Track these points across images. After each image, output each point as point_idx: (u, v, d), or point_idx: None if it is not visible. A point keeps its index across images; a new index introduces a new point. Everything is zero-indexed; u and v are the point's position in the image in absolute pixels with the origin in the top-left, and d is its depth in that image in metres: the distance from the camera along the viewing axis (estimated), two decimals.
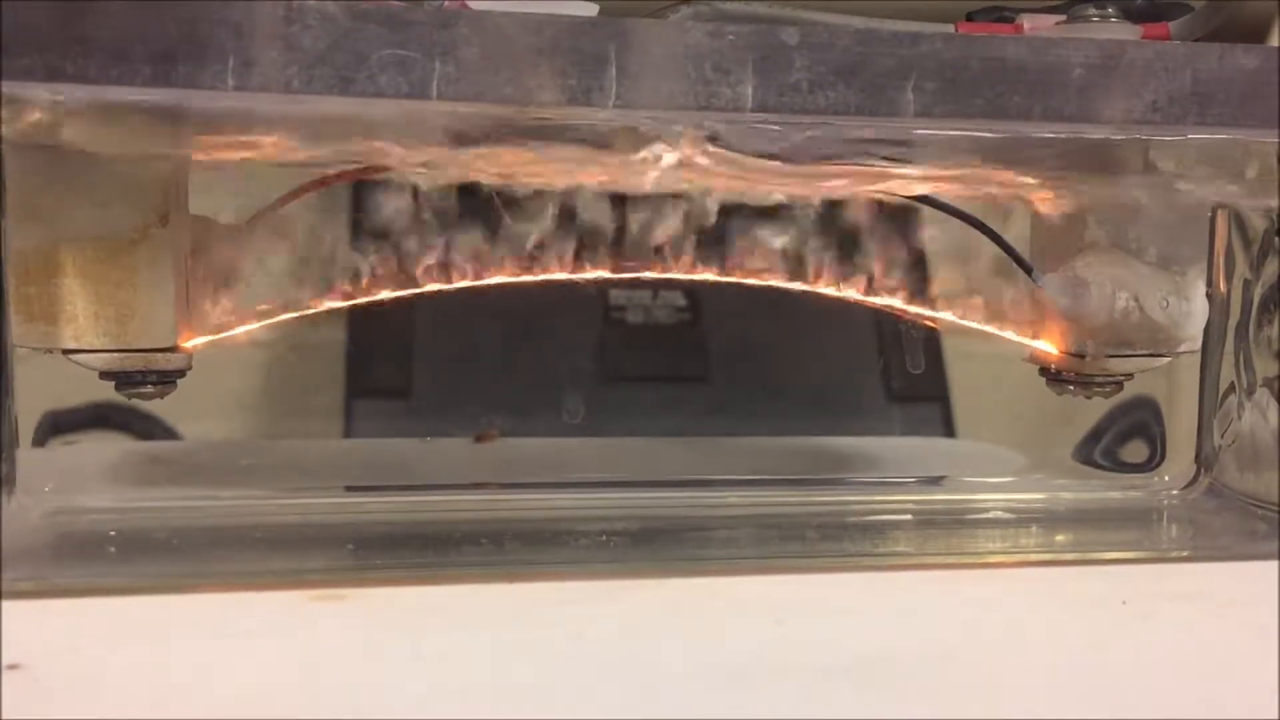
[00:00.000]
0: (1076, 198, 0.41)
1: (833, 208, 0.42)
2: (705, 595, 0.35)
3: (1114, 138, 0.34)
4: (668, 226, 0.40)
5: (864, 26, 0.34)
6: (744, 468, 0.50)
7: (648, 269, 0.41)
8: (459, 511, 0.43)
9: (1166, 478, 0.49)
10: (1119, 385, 0.43)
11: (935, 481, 0.50)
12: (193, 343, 0.38)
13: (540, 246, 0.40)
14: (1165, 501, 0.48)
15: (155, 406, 0.42)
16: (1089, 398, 0.43)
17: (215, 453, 0.48)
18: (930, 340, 0.50)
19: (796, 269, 0.42)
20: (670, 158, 0.35)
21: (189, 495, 0.43)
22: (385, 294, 0.40)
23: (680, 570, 0.38)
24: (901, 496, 0.48)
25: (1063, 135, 0.33)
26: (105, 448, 0.46)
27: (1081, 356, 0.41)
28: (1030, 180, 0.40)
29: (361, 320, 0.45)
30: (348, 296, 0.40)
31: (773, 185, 0.39)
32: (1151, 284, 0.41)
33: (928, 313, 0.43)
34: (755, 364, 0.54)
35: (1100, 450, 0.50)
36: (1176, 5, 0.37)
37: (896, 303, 0.42)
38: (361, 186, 0.40)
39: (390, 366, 0.51)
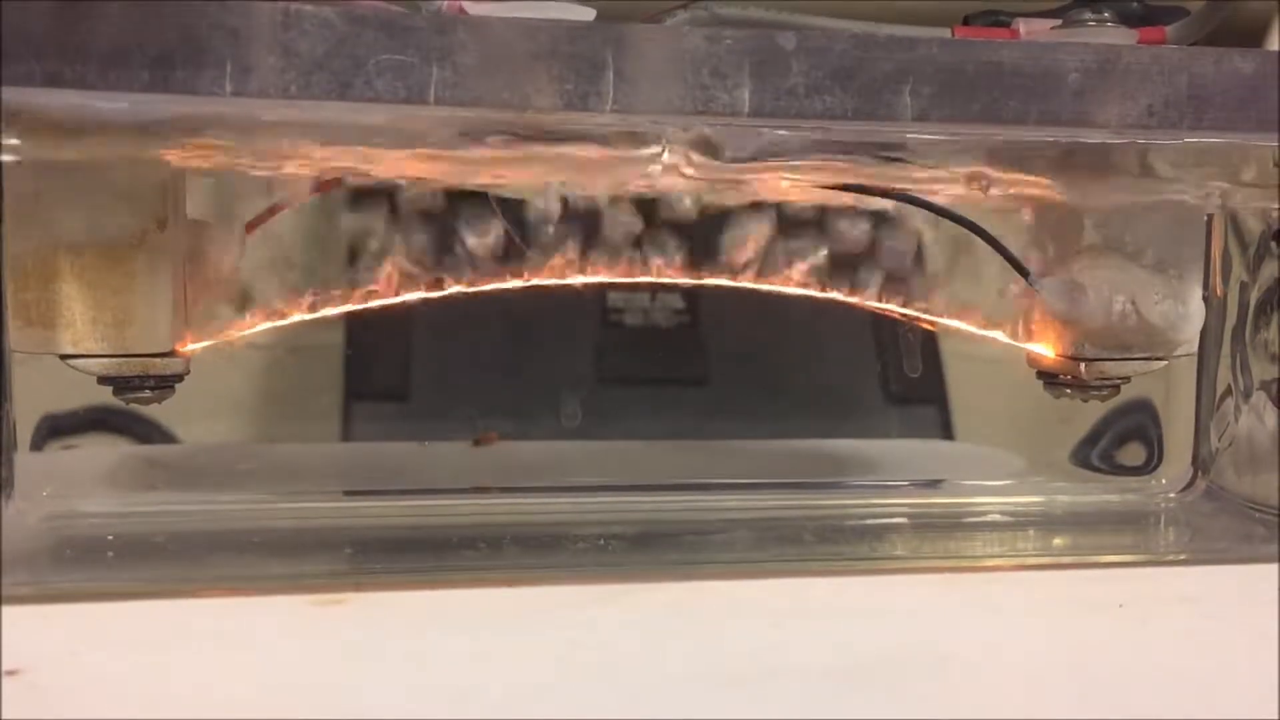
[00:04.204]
0: (1073, 201, 0.41)
1: (831, 210, 0.42)
2: (703, 598, 0.35)
3: (1110, 142, 0.34)
4: (664, 229, 0.41)
5: (860, 31, 0.34)
6: (742, 471, 0.50)
7: (645, 273, 0.41)
8: (457, 515, 0.43)
9: (1164, 481, 0.49)
10: (1116, 388, 0.43)
11: (933, 484, 0.50)
12: (190, 347, 0.38)
13: (541, 250, 0.40)
14: (1162, 504, 0.48)
15: (153, 409, 0.42)
16: (1086, 400, 0.43)
17: (213, 456, 0.48)
18: (928, 342, 0.50)
19: (794, 271, 0.42)
20: (665, 161, 0.35)
21: (187, 499, 0.43)
22: (383, 299, 0.40)
23: (678, 574, 0.38)
24: (899, 500, 0.48)
25: (1059, 139, 0.34)
26: (103, 451, 0.46)
27: (1079, 360, 0.41)
28: (1027, 183, 0.40)
29: (360, 323, 0.45)
30: (346, 301, 0.40)
31: (768, 188, 0.39)
32: (1148, 287, 0.41)
33: (925, 316, 0.43)
34: (753, 367, 0.54)
35: (1098, 453, 0.50)
36: (1172, 9, 0.37)
37: (894, 306, 0.42)
38: (358, 191, 0.40)
39: (388, 369, 0.51)
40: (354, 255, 0.44)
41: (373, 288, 0.40)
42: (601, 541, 0.40)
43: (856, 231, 0.42)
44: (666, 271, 0.41)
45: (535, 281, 0.40)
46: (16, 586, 0.33)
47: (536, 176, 0.38)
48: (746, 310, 0.46)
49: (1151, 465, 0.49)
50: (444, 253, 0.40)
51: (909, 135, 0.33)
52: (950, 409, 0.54)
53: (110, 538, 0.39)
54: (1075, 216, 0.41)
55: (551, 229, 0.40)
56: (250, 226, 0.40)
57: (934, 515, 0.46)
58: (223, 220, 0.39)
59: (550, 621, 0.33)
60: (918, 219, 0.44)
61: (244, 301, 0.39)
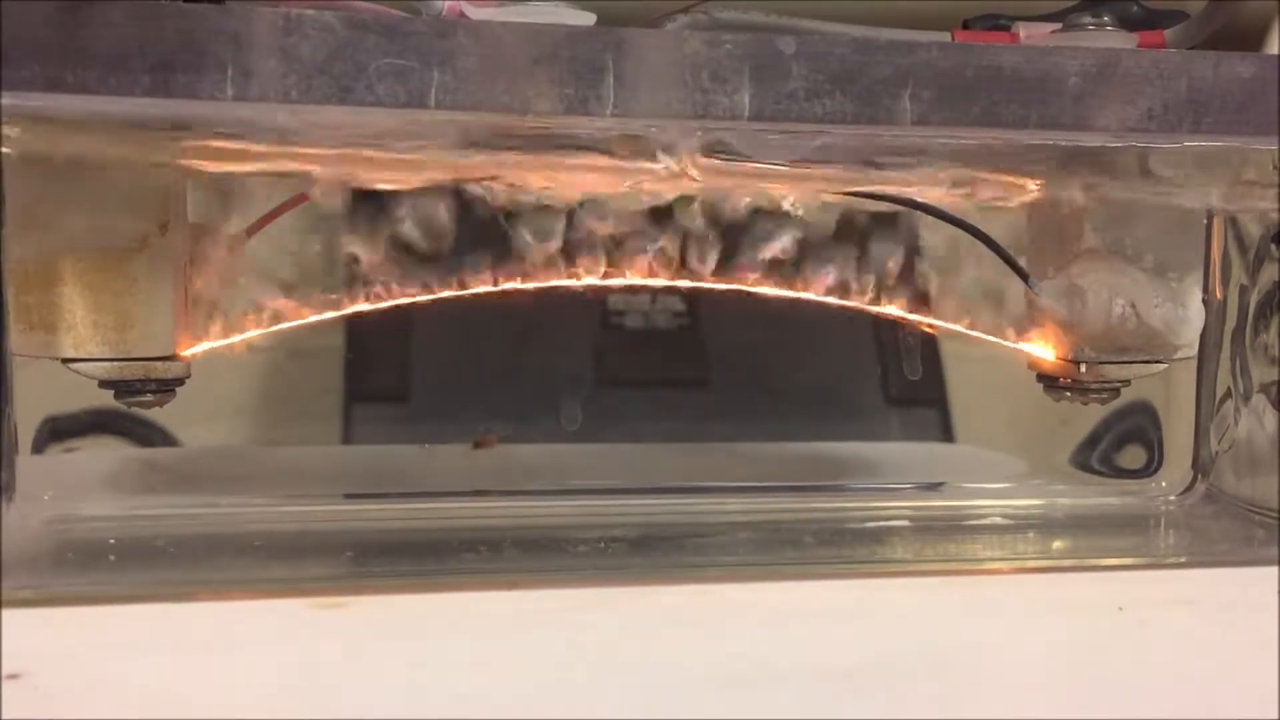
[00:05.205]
0: (1072, 204, 0.41)
1: (830, 214, 0.42)
2: (704, 601, 0.35)
3: (1110, 145, 0.34)
4: (664, 233, 0.41)
5: (860, 35, 0.34)
6: (742, 473, 0.50)
7: (644, 276, 0.41)
8: (457, 518, 0.43)
9: (1164, 483, 0.49)
10: (1116, 391, 0.43)
11: (933, 487, 0.50)
12: (191, 350, 0.38)
13: (540, 254, 0.40)
14: (1162, 507, 0.48)
15: (155, 412, 0.42)
16: (1086, 403, 0.43)
17: (214, 459, 0.48)
18: (928, 345, 0.50)
19: (794, 275, 0.42)
20: (665, 164, 0.35)
21: (188, 502, 0.43)
22: (383, 303, 0.40)
23: (679, 576, 0.38)
24: (899, 502, 0.48)
25: (1059, 143, 0.34)
26: (104, 454, 0.46)
27: (1078, 362, 0.41)
28: (1026, 186, 0.40)
29: (360, 325, 0.45)
30: (345, 305, 0.40)
31: (767, 190, 0.39)
32: (1148, 290, 0.41)
33: (925, 319, 0.43)
34: (754, 369, 0.54)
35: (1098, 456, 0.50)
36: (1172, 13, 0.37)
37: (894, 309, 0.42)
38: (359, 195, 0.40)
39: (389, 372, 0.51)
40: (354, 258, 0.44)
41: (374, 290, 0.40)
42: (602, 544, 0.40)
43: (858, 235, 0.42)
44: (665, 275, 0.41)
45: (535, 285, 0.40)
46: (18, 589, 0.33)
47: (537, 179, 0.38)
48: (747, 312, 0.46)
49: (1151, 468, 0.49)
50: (447, 254, 0.40)
51: (909, 139, 0.33)
52: (951, 411, 0.54)
53: (111, 541, 0.39)
54: (1075, 219, 0.41)
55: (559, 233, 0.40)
56: (250, 230, 0.40)
57: (934, 518, 0.46)
58: (223, 223, 0.39)
59: (551, 624, 0.33)
60: (919, 222, 0.44)
61: (244, 305, 0.39)
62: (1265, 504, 0.44)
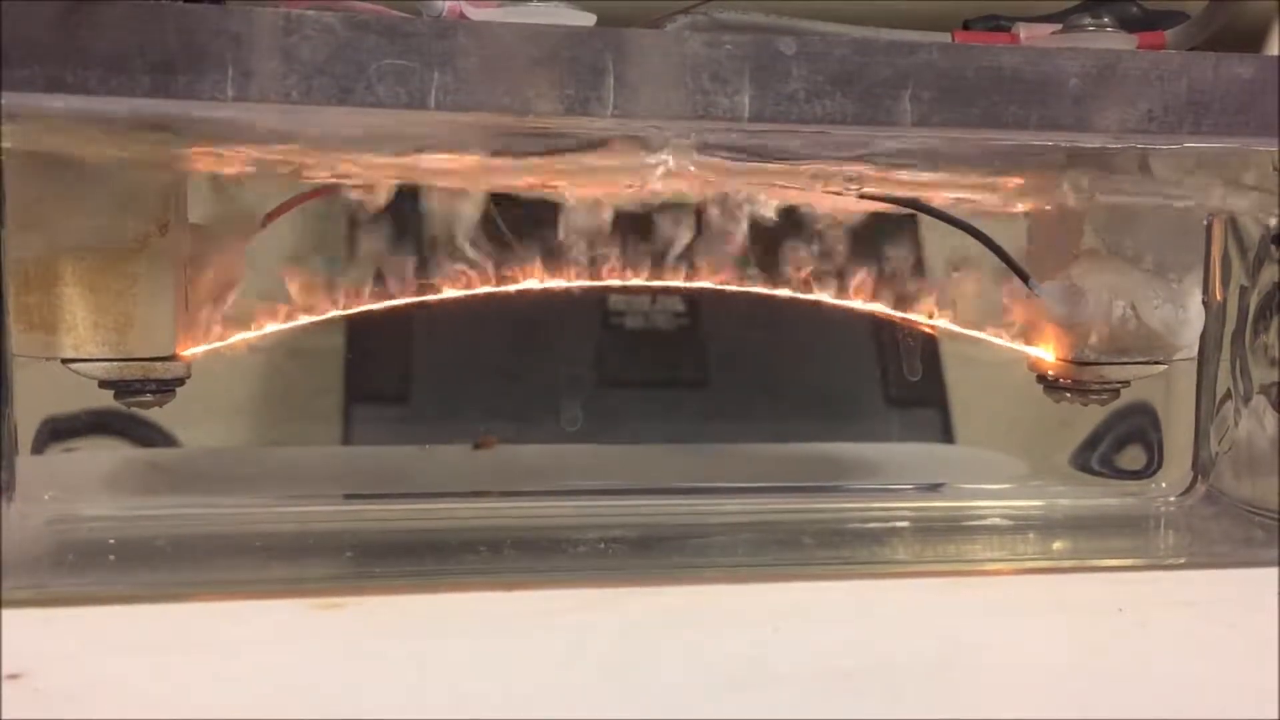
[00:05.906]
0: (1072, 205, 0.41)
1: (830, 215, 0.42)
2: (703, 602, 0.35)
3: (1110, 146, 0.34)
4: (663, 234, 0.41)
5: (860, 36, 0.34)
6: (742, 474, 0.50)
7: (643, 277, 0.41)
8: (457, 519, 0.43)
9: (1164, 484, 0.49)
10: (1116, 392, 0.43)
11: (933, 488, 0.50)
12: (192, 351, 0.38)
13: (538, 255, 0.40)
14: (1162, 508, 0.48)
15: (155, 413, 0.42)
16: (1086, 404, 0.43)
17: (214, 460, 0.48)
18: (928, 346, 0.50)
19: (793, 276, 0.42)
20: (666, 165, 0.35)
21: (188, 503, 0.43)
22: (384, 303, 0.40)
23: (679, 577, 0.38)
24: (899, 503, 0.48)
25: (1059, 144, 0.34)
26: (104, 455, 0.46)
27: (1079, 364, 0.41)
28: (1026, 187, 0.40)
29: (360, 325, 0.45)
30: (346, 305, 0.40)
31: (768, 192, 0.39)
32: (1148, 291, 0.41)
33: (925, 319, 0.43)
34: (754, 369, 0.54)
35: (1098, 457, 0.50)
36: (1172, 13, 0.37)
37: (894, 309, 0.42)
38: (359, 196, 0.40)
39: (389, 372, 0.51)
40: (354, 258, 0.44)
41: (374, 290, 0.40)
42: (601, 545, 0.40)
43: (857, 235, 0.42)
44: (667, 275, 0.41)
45: (534, 285, 0.40)
46: (18, 590, 0.34)
47: (540, 181, 0.38)
48: (747, 313, 0.46)
49: (1151, 469, 0.49)
50: (445, 255, 0.40)
51: (909, 140, 0.33)
52: (951, 412, 0.54)
53: (111, 541, 0.39)
54: (1075, 220, 0.41)
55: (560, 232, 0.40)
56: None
57: (934, 519, 0.46)
58: (223, 224, 0.39)
59: (550, 625, 0.33)
60: (919, 222, 0.44)
61: (245, 305, 0.39)
62: (1265, 505, 0.44)
